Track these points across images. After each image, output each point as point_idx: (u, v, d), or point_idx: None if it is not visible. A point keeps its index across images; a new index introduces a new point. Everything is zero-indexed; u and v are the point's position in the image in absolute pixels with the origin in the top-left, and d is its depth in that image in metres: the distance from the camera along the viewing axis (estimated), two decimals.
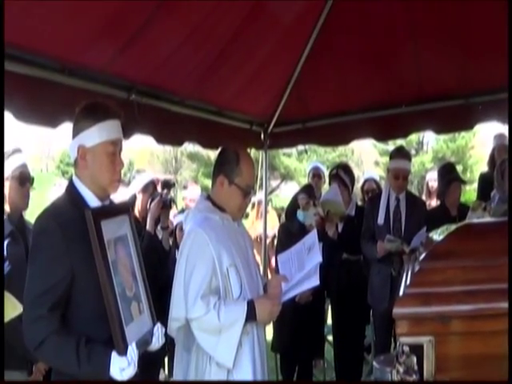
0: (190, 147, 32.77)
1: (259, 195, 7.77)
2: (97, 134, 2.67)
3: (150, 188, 5.18)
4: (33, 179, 4.14)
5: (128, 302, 2.62)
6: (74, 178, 2.75)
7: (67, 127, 3.83)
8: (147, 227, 4.83)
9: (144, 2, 3.85)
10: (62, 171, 45.50)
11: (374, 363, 2.62)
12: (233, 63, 5.17)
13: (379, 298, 5.60)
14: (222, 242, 3.33)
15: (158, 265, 4.65)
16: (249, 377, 3.32)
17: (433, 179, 7.50)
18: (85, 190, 2.71)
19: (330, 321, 6.63)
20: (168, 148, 43.51)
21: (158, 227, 5.14)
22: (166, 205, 5.03)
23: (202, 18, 4.35)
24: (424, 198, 7.64)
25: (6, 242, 3.77)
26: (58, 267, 2.52)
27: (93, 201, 2.70)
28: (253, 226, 9.24)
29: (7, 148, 4.08)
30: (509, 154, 5.19)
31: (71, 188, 2.73)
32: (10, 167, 3.99)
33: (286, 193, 32.37)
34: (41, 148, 57.57)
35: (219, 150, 3.76)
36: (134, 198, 5.12)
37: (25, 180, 4.04)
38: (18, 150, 4.08)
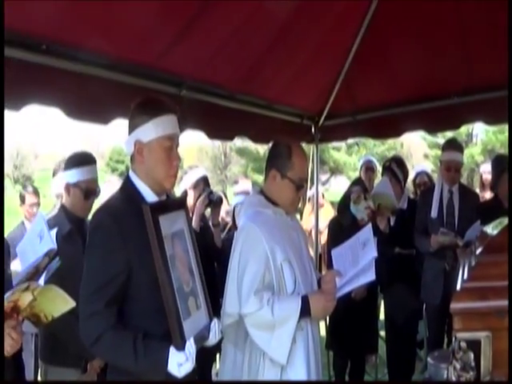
0: (238, 142, 32.98)
1: (313, 189, 7.76)
2: (152, 129, 2.68)
3: (200, 184, 5.18)
4: (99, 192, 4.18)
5: (185, 297, 2.63)
6: (131, 173, 2.77)
7: (117, 124, 3.88)
8: (192, 224, 4.83)
9: None
10: (112, 168, 46.07)
11: (429, 359, 2.58)
12: (282, 57, 5.15)
13: (432, 292, 5.56)
14: (274, 237, 3.31)
15: (206, 262, 4.63)
16: (302, 373, 3.29)
17: (487, 171, 7.40)
18: (141, 185, 2.73)
19: (382, 316, 6.59)
20: (216, 144, 43.98)
21: (210, 224, 5.17)
22: (213, 202, 5.04)
23: (250, 13, 4.34)
24: (478, 190, 7.53)
25: (60, 237, 3.81)
26: (114, 262, 2.53)
27: (149, 196, 2.72)
28: (309, 218, 9.32)
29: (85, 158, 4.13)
30: (509, 153, 5.12)
31: (128, 183, 2.76)
32: (78, 176, 4.03)
33: (335, 187, 32.33)
34: (90, 146, 58.30)
35: (271, 143, 3.74)
36: (185, 193, 5.12)
37: (90, 194, 4.08)
38: (90, 161, 4.13)
